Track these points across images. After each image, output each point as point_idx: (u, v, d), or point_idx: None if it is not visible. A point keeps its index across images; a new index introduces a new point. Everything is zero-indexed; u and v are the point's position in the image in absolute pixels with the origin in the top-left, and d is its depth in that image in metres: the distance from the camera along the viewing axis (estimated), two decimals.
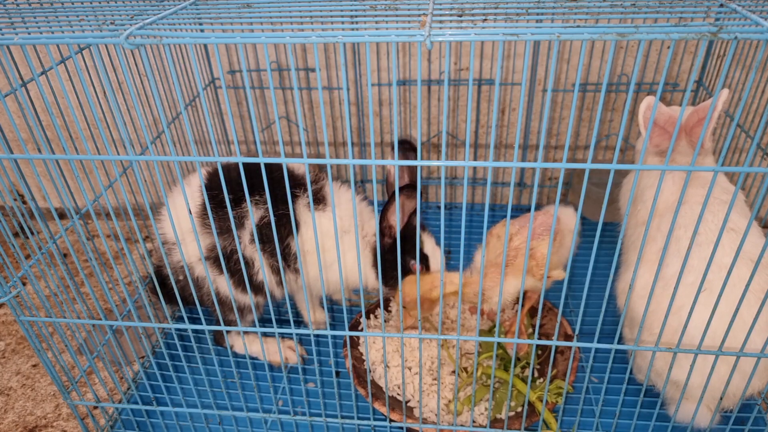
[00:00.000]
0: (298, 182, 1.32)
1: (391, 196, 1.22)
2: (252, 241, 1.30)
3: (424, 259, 1.39)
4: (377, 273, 1.38)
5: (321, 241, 1.18)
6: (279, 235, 1.27)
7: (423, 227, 1.41)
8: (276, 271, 1.36)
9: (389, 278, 1.40)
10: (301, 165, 1.38)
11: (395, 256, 1.30)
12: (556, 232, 1.35)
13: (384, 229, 1.28)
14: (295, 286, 1.47)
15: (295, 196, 1.32)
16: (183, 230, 1.29)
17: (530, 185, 2.14)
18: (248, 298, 1.36)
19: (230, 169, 1.26)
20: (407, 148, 1.33)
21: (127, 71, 0.81)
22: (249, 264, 1.33)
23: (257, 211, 1.29)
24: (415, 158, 1.21)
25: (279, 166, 1.21)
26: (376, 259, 1.36)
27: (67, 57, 1.13)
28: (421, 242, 1.38)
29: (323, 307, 1.56)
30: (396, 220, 1.23)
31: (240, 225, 1.29)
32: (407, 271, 1.38)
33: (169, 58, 0.80)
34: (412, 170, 1.36)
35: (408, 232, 1.33)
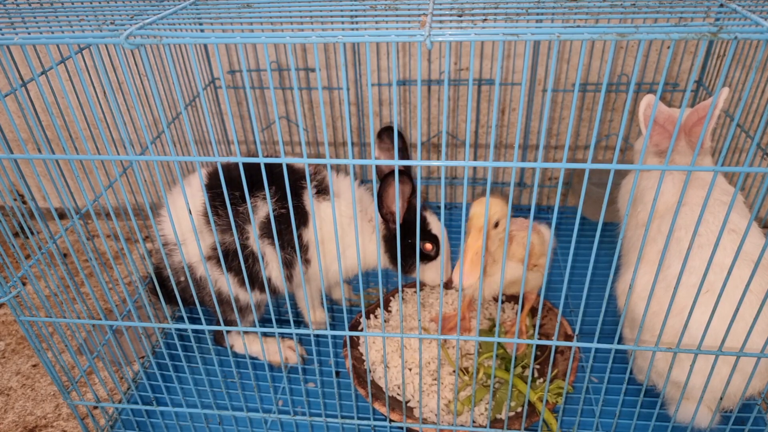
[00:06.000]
0: (301, 175, 1.32)
1: (384, 179, 1.16)
2: (257, 237, 1.30)
3: (434, 240, 1.39)
4: (389, 258, 1.40)
5: (329, 230, 1.17)
6: (286, 229, 1.27)
7: (425, 207, 1.41)
8: (284, 265, 1.36)
9: (404, 264, 1.41)
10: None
11: (404, 241, 1.32)
12: (535, 231, 1.36)
13: (385, 215, 1.26)
14: (299, 281, 1.46)
15: (301, 188, 1.31)
16: (183, 231, 1.29)
17: (530, 185, 2.14)
18: (249, 298, 1.36)
19: (231, 168, 1.26)
20: (389, 135, 1.31)
21: (127, 71, 0.81)
22: (252, 262, 1.33)
23: (263, 207, 1.28)
24: (399, 143, 1.20)
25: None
26: (385, 244, 1.38)
27: (67, 57, 1.13)
28: (428, 223, 1.38)
29: (323, 307, 1.56)
30: (395, 205, 1.21)
31: (243, 223, 1.29)
32: (422, 255, 1.39)
33: (169, 58, 0.80)
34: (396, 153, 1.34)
35: (409, 215, 1.31)
